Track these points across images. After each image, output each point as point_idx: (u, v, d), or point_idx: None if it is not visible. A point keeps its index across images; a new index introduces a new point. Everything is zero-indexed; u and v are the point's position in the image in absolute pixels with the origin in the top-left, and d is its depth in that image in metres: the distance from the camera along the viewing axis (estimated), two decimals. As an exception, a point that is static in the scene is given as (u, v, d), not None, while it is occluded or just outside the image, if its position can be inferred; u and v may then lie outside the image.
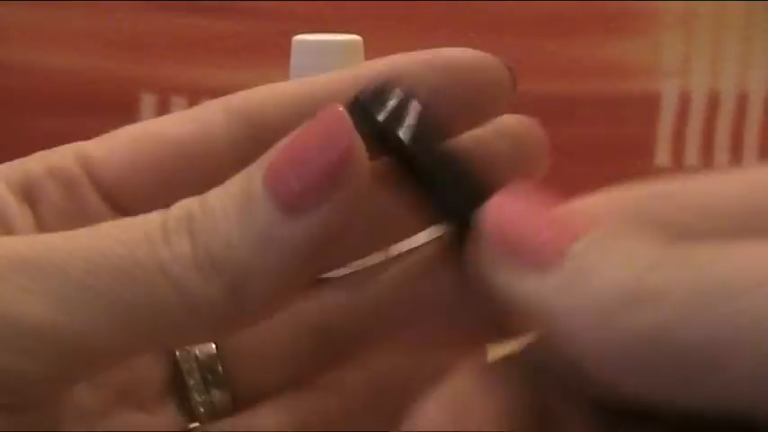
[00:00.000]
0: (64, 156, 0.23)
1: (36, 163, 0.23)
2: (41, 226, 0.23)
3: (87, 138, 0.23)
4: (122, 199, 0.23)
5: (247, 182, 0.21)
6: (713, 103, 0.77)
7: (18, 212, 0.22)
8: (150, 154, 0.23)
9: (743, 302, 0.17)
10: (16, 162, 0.23)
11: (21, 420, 0.20)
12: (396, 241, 0.25)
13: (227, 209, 0.20)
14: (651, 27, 0.76)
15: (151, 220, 0.21)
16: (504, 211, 0.20)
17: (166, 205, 0.21)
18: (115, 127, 0.23)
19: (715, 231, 0.20)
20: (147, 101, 0.74)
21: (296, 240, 0.20)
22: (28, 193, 0.22)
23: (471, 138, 0.24)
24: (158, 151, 0.23)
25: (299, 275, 0.21)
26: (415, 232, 0.25)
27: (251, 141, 0.23)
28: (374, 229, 0.24)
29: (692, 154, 0.77)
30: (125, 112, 0.74)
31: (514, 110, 0.25)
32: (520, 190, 0.21)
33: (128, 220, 0.21)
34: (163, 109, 0.74)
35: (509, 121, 0.25)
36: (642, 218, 0.20)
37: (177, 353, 0.24)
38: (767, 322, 0.17)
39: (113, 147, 0.23)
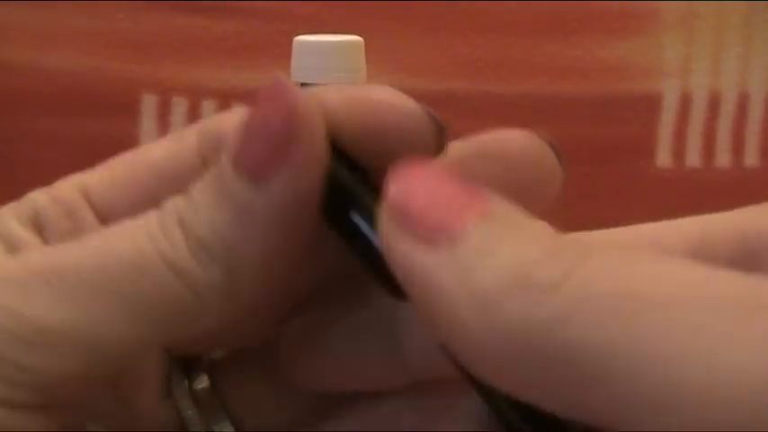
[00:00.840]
0: (64, 185, 0.25)
1: (41, 194, 0.25)
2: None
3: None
4: (113, 217, 0.24)
5: (218, 167, 0.22)
6: (714, 104, 0.77)
7: (30, 242, 0.24)
8: (133, 175, 0.25)
9: (645, 319, 0.16)
10: (25, 198, 0.25)
11: (43, 422, 0.21)
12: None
13: (207, 196, 0.22)
14: (652, 27, 0.76)
15: (150, 218, 0.22)
16: (407, 180, 0.20)
17: None
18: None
19: None
20: (148, 101, 0.74)
21: (270, 207, 0.21)
22: (36, 222, 0.24)
23: (453, 160, 0.23)
24: (139, 172, 0.24)
25: (283, 243, 0.22)
26: None
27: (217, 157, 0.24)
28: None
29: (692, 154, 0.77)
30: (126, 113, 0.74)
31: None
32: (425, 162, 0.21)
33: (129, 221, 0.22)
34: (164, 109, 0.74)
35: (509, 139, 0.23)
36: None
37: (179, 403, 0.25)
38: (666, 345, 0.16)
39: (106, 171, 0.25)
